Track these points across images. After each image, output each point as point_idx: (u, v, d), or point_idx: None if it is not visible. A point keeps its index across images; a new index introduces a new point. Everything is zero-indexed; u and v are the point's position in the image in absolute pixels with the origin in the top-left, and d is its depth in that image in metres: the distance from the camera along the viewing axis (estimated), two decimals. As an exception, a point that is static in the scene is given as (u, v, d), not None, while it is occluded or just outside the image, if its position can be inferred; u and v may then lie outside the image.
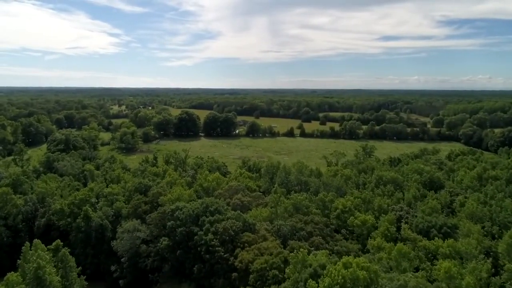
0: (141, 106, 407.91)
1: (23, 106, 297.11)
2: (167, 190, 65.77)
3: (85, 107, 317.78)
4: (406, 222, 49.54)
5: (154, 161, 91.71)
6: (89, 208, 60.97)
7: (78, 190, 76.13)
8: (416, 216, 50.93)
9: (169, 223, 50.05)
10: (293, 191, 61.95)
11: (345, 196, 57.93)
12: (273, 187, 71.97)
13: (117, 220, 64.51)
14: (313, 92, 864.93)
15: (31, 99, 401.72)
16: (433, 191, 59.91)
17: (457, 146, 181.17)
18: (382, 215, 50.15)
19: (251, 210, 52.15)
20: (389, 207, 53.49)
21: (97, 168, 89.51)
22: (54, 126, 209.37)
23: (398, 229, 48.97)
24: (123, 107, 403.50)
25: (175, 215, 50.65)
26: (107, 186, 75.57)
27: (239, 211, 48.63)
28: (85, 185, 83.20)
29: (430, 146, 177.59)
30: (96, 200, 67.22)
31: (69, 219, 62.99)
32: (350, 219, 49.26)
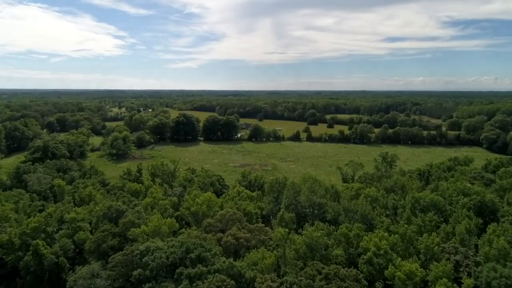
0: (141, 108, 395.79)
1: (18, 108, 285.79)
2: (144, 216, 52.06)
3: (82, 109, 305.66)
4: (469, 274, 35.08)
5: (137, 174, 77.86)
6: (40, 242, 47.44)
7: (41, 211, 63.17)
8: (479, 263, 36.50)
9: (135, 272, 36.12)
10: (305, 222, 47.70)
11: (375, 230, 43.58)
12: (279, 208, 58.06)
13: (80, 256, 51.00)
14: (318, 93, 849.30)
15: (30, 101, 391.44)
16: (493, 222, 45.19)
17: (479, 151, 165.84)
18: (434, 263, 35.66)
19: (249, 253, 37.94)
20: (438, 248, 39.00)
21: (71, 182, 76.11)
22: (44, 130, 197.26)
23: (456, 281, 34.73)
24: (123, 110, 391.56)
25: (144, 260, 36.73)
26: (75, 206, 62.43)
27: (231, 260, 34.45)
28: (55, 203, 70.45)
29: (450, 151, 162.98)
30: (56, 229, 53.51)
31: (20, 253, 49.55)
32: (389, 269, 34.92)
